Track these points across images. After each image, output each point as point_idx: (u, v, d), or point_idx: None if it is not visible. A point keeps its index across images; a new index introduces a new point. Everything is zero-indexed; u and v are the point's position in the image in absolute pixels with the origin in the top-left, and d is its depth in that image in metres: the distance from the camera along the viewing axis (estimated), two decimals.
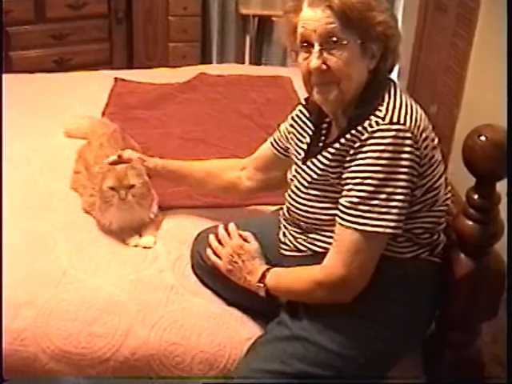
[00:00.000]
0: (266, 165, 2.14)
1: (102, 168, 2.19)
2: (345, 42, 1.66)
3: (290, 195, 1.84)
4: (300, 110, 1.95)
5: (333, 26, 1.65)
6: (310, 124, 1.90)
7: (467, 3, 3.99)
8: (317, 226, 1.76)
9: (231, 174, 2.23)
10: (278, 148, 2.06)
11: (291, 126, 1.96)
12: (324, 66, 1.68)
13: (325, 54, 1.67)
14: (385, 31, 1.68)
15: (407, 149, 1.58)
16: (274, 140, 2.08)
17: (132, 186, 2.15)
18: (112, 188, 2.14)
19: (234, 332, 1.90)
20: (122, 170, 2.16)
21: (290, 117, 1.99)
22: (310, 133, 1.89)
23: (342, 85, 1.69)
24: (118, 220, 2.20)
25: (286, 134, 1.99)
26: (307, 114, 1.91)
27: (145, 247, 2.17)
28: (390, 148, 1.58)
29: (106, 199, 2.16)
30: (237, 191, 2.26)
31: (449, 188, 1.81)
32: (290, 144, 1.95)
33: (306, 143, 1.88)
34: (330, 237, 1.70)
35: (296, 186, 1.81)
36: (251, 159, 2.20)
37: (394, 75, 1.80)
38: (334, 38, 1.66)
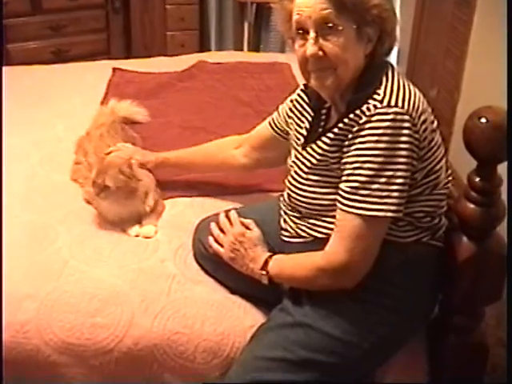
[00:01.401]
0: (263, 144, 2.15)
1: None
2: (340, 28, 1.64)
3: (289, 181, 1.84)
4: (299, 95, 1.95)
5: (327, 11, 1.64)
6: (309, 109, 1.89)
7: None
8: (317, 212, 1.75)
9: (226, 152, 2.28)
10: (276, 129, 2.06)
11: (290, 110, 1.96)
12: (320, 53, 1.67)
13: (321, 41, 1.66)
14: (380, 14, 1.66)
15: (406, 131, 1.58)
16: (273, 120, 2.08)
17: (106, 187, 2.14)
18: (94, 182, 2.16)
19: (237, 320, 1.90)
20: (104, 168, 2.15)
21: (289, 99, 1.99)
22: (309, 118, 1.88)
23: (338, 70, 1.68)
24: (111, 211, 2.20)
25: (285, 117, 1.99)
26: (306, 99, 1.91)
27: (146, 237, 2.16)
28: (388, 131, 1.57)
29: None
30: (232, 168, 2.30)
31: (450, 171, 1.81)
32: (290, 129, 1.95)
33: (305, 128, 1.87)
34: (331, 222, 1.70)
35: (296, 172, 1.81)
36: (248, 137, 2.23)
37: (393, 59, 1.79)
38: (330, 24, 1.65)
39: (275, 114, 2.07)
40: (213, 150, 2.33)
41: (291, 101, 1.97)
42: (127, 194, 2.17)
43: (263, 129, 2.14)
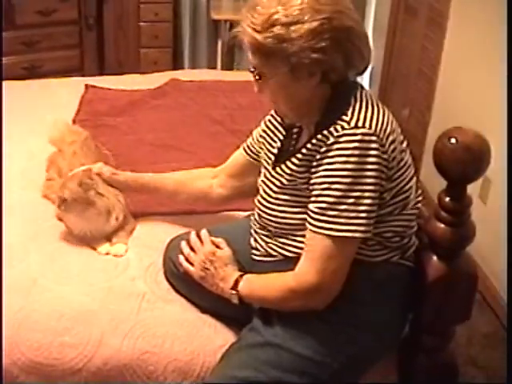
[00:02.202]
0: (240, 171, 2.14)
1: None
2: (266, 78, 1.68)
3: (259, 200, 1.84)
4: (272, 115, 1.95)
5: (256, 61, 1.68)
6: (281, 129, 1.90)
7: (437, 7, 4.02)
8: (287, 231, 1.75)
9: (202, 182, 2.22)
10: (251, 154, 2.06)
11: (263, 131, 1.96)
12: (262, 91, 1.73)
13: (261, 82, 1.71)
14: (300, 60, 1.62)
15: (373, 152, 1.58)
16: (247, 146, 2.08)
17: (64, 200, 2.14)
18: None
19: (208, 339, 1.89)
20: (65, 182, 2.16)
21: (262, 122, 1.99)
22: (282, 138, 1.88)
23: (279, 105, 1.75)
24: (75, 225, 2.21)
25: (259, 138, 1.99)
26: (279, 120, 1.91)
27: (116, 255, 2.15)
28: (356, 152, 1.57)
29: None
30: (209, 199, 2.25)
31: (420, 191, 1.82)
32: (262, 149, 1.95)
33: (277, 148, 1.87)
34: (301, 241, 1.70)
35: (265, 191, 1.81)
36: (223, 167, 2.20)
37: (366, 79, 1.79)
38: (258, 75, 1.70)
39: (249, 139, 2.07)
40: (187, 178, 2.26)
41: (264, 122, 1.97)
42: (84, 206, 2.16)
43: (238, 156, 2.13)
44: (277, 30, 1.60)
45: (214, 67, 5.40)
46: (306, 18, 1.59)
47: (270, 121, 1.95)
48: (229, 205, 2.36)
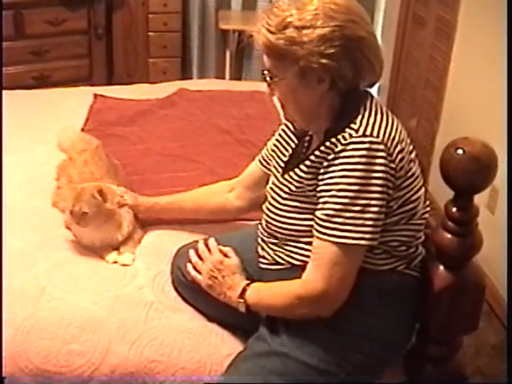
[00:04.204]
0: (255, 182, 2.14)
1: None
2: (277, 79, 1.71)
3: (267, 207, 1.84)
4: (285, 124, 1.97)
5: (269, 62, 1.71)
6: (294, 138, 1.91)
7: (445, 17, 4.03)
8: (294, 237, 1.76)
9: (219, 197, 2.24)
10: (266, 165, 2.06)
11: (277, 140, 1.97)
12: (273, 93, 1.76)
13: (272, 84, 1.74)
14: (309, 64, 1.64)
15: (380, 161, 1.59)
16: (262, 157, 2.09)
17: (84, 214, 2.13)
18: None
19: (215, 348, 1.89)
20: (78, 196, 2.15)
21: (277, 132, 2.01)
22: (293, 146, 1.90)
23: (288, 109, 1.77)
24: (85, 236, 2.20)
25: (272, 147, 1.99)
26: (292, 128, 1.93)
27: (124, 265, 2.15)
28: (363, 160, 1.58)
29: None
30: (227, 212, 2.27)
31: (428, 202, 1.82)
32: (273, 157, 1.95)
33: (288, 155, 1.89)
34: (308, 249, 1.71)
35: (273, 198, 1.82)
36: (240, 179, 2.21)
37: (374, 89, 1.79)
38: (270, 76, 1.72)
39: (264, 151, 2.08)
40: (204, 195, 2.29)
41: (278, 132, 1.99)
42: (105, 218, 2.17)
43: (254, 167, 2.14)
44: (289, 32, 1.63)
45: (223, 77, 5.41)
46: (318, 23, 1.62)
47: (283, 130, 1.97)
48: (246, 216, 2.36)
